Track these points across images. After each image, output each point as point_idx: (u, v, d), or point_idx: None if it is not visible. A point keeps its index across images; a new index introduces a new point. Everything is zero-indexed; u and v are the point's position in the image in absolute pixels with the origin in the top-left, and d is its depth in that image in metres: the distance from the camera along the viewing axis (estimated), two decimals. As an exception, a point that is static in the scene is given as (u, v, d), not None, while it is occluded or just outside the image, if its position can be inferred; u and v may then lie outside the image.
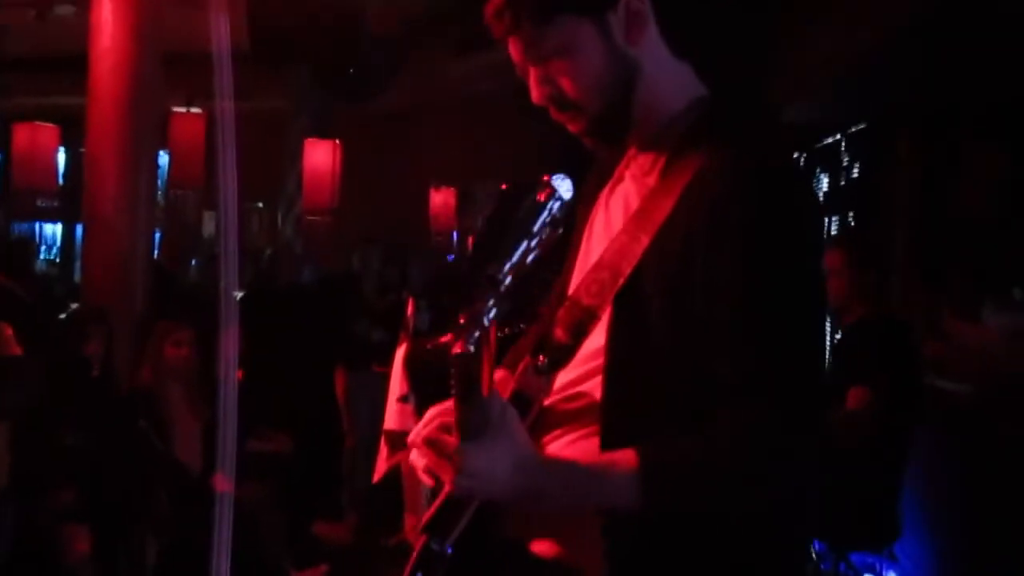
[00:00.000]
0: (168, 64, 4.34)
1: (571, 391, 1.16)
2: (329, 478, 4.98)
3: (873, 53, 4.27)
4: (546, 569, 1.15)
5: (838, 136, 5.42)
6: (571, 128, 1.19)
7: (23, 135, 6.14)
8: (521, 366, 1.20)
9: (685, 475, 1.04)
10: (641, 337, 1.09)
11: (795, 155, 5.64)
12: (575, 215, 1.32)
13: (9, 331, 2.81)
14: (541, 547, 1.16)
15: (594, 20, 1.11)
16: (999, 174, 4.29)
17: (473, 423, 0.99)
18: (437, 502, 1.09)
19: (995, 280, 3.81)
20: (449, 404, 1.06)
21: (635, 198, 1.16)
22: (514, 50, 1.15)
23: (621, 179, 1.22)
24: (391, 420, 4.32)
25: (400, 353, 4.37)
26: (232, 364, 1.26)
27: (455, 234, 9.23)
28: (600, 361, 1.12)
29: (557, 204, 1.02)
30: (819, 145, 5.66)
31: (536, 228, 0.99)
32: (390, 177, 9.30)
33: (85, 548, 3.08)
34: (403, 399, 4.26)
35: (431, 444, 1.04)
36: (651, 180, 1.15)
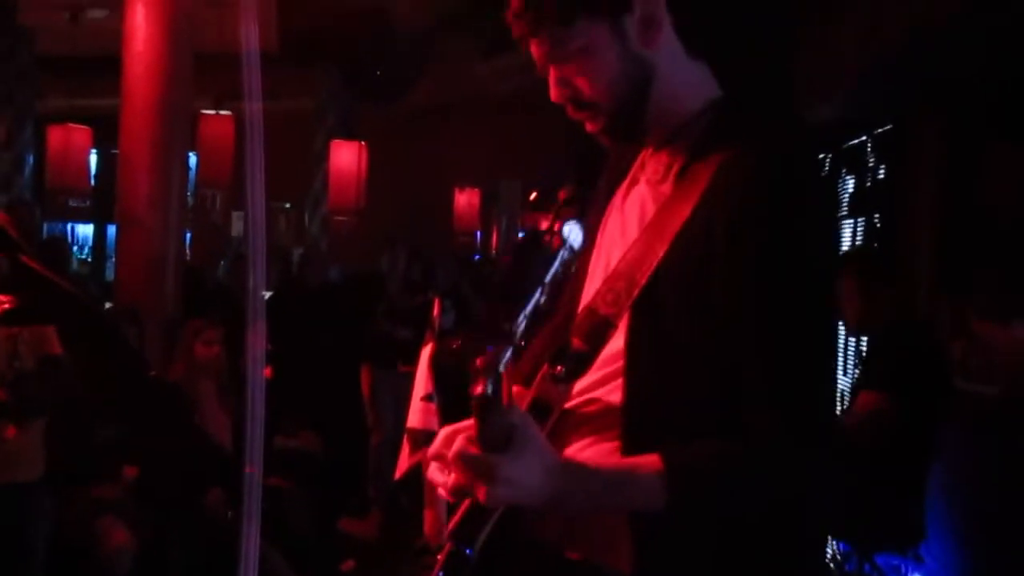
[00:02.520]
0: (197, 65, 4.41)
1: (588, 396, 1.17)
2: (355, 475, 5.03)
3: (899, 53, 4.24)
4: (572, 568, 1.17)
5: (864, 137, 5.37)
6: (588, 127, 1.21)
7: (57, 136, 6.26)
8: (539, 375, 1.21)
9: (709, 478, 1.06)
10: (659, 343, 1.10)
11: (820, 155, 5.60)
12: (588, 216, 1.34)
13: (52, 328, 2.87)
14: (567, 547, 1.18)
15: (610, 23, 1.13)
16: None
17: (496, 437, 1.01)
18: (461, 510, 1.11)
19: (1022, 281, 3.77)
20: (467, 423, 1.09)
21: (650, 204, 1.18)
22: (534, 50, 1.18)
23: (636, 182, 1.23)
24: (415, 418, 4.34)
25: (425, 352, 4.40)
26: (259, 362, 1.29)
27: (479, 234, 9.26)
28: (617, 366, 1.14)
29: (567, 253, 1.04)
30: (845, 146, 5.62)
31: (548, 278, 1.02)
32: (415, 177, 9.36)
33: (122, 540, 3.14)
34: (427, 398, 4.29)
35: (463, 459, 1.03)
36: (666, 187, 1.16)
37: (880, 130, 5.16)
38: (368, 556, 4.26)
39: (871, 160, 5.30)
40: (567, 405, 1.18)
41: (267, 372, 5.01)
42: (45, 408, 2.93)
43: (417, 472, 4.79)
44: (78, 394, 3.13)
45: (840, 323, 3.01)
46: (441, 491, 1.15)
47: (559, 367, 1.18)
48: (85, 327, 2.72)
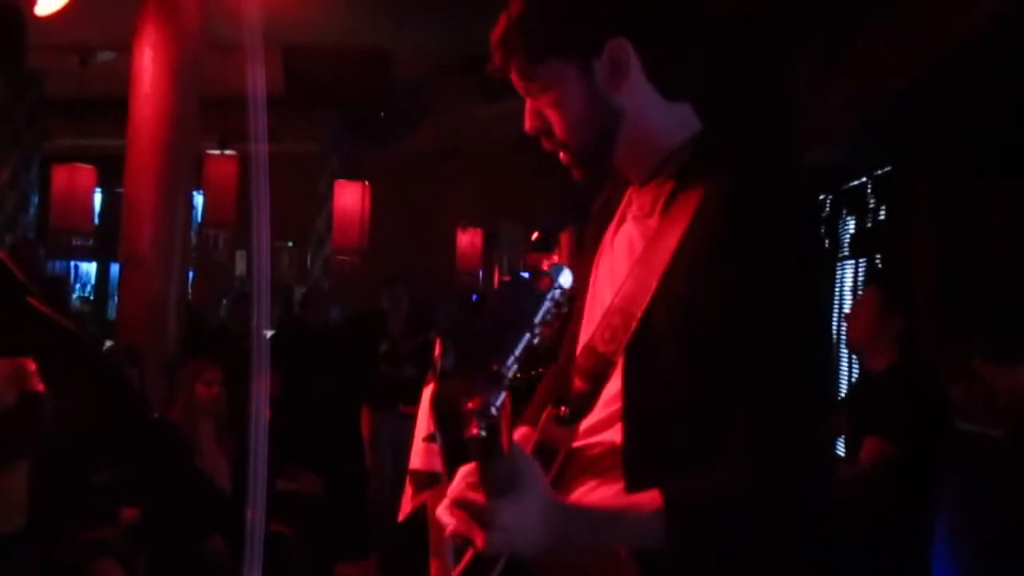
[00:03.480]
0: (202, 107, 4.46)
1: (592, 438, 1.16)
2: (354, 517, 4.98)
3: (898, 95, 4.28)
4: None
5: (864, 179, 5.41)
6: (561, 159, 1.22)
7: (61, 176, 6.30)
8: (543, 417, 1.20)
9: (709, 513, 1.05)
10: (656, 381, 1.10)
11: (805, 183, 5.60)
12: (581, 256, 1.34)
13: (32, 367, 2.82)
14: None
15: (578, 65, 1.14)
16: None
17: (497, 481, 1.00)
18: (467, 558, 1.09)
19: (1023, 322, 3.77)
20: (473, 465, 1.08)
21: (638, 239, 1.18)
22: (513, 80, 1.20)
23: (624, 220, 1.24)
24: (417, 460, 4.31)
25: (427, 393, 4.38)
26: (263, 403, 1.29)
27: (481, 273, 9.27)
28: (618, 406, 1.13)
29: (557, 292, 1.03)
30: (845, 187, 5.66)
31: (538, 320, 1.00)
32: (418, 218, 9.40)
33: None
34: (429, 439, 4.27)
35: (459, 504, 1.03)
36: (652, 221, 1.16)
37: (880, 171, 5.20)
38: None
39: (871, 201, 5.33)
40: (574, 446, 1.17)
41: (267, 413, 4.95)
42: (26, 449, 2.83)
43: (420, 514, 4.78)
44: (62, 433, 3.08)
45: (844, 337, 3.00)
46: (448, 531, 1.13)
47: (563, 408, 1.18)
48: (87, 367, 2.71)
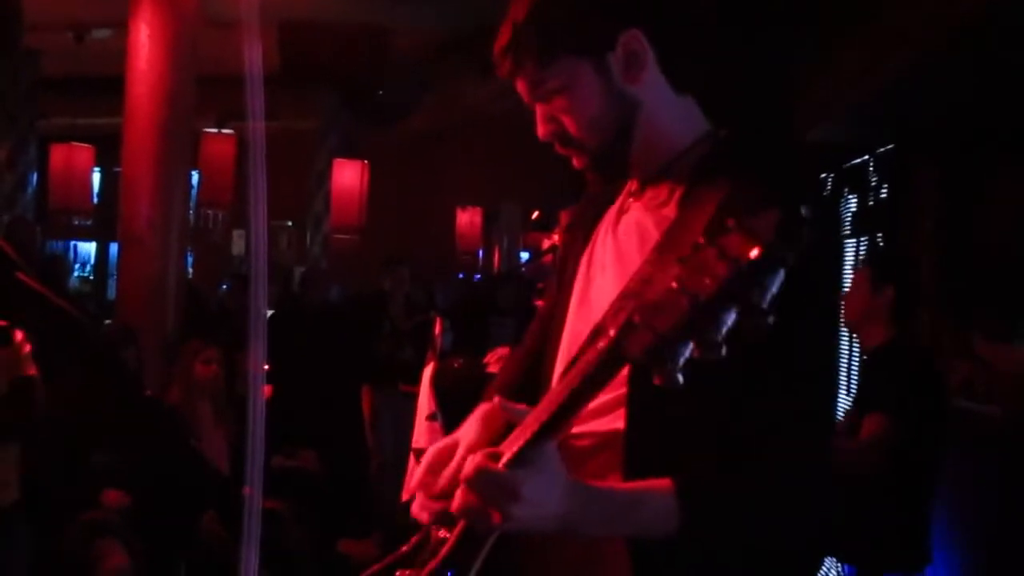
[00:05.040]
0: (200, 85, 4.43)
1: (588, 425, 1.14)
2: (355, 495, 5.00)
3: (901, 74, 4.26)
4: None
5: (866, 157, 5.39)
6: (575, 164, 1.20)
7: (59, 155, 6.27)
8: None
9: (721, 505, 1.05)
10: None
11: (821, 175, 5.60)
12: (561, 251, 1.32)
13: (27, 349, 2.83)
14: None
15: (593, 61, 1.12)
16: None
17: (519, 456, 0.99)
18: (451, 541, 1.08)
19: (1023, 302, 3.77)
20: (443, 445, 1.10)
21: (653, 229, 1.15)
22: (520, 88, 1.18)
23: (626, 210, 1.21)
24: (420, 438, 4.33)
25: (427, 372, 4.39)
26: (259, 381, 1.28)
27: (481, 253, 9.26)
28: (619, 393, 1.11)
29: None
30: (846, 165, 5.63)
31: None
32: (417, 197, 9.37)
33: (119, 562, 3.10)
34: (431, 417, 4.28)
35: (479, 477, 0.99)
36: (669, 211, 1.14)
37: (882, 150, 5.18)
38: (368, 578, 4.23)
39: (873, 180, 5.31)
40: (572, 430, 1.15)
41: (267, 391, 5.01)
42: (17, 431, 2.85)
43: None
44: (72, 417, 3.09)
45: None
46: (423, 516, 1.14)
47: None
48: (79, 345, 2.71)
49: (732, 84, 1.25)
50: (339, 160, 6.81)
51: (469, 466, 1.01)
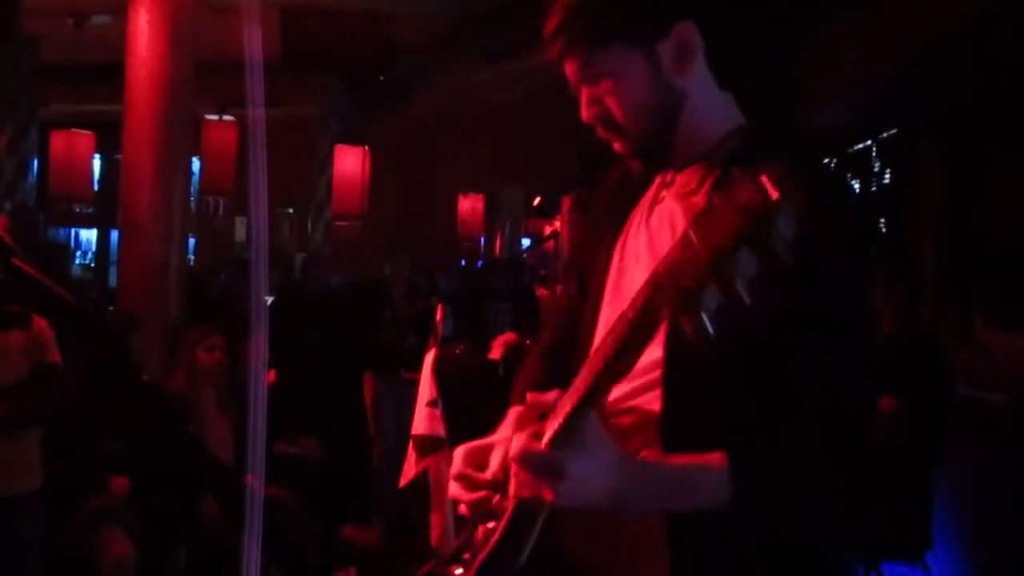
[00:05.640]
0: (201, 72, 4.41)
1: (624, 406, 1.16)
2: (357, 482, 5.01)
3: (905, 60, 4.23)
4: None
5: (869, 142, 5.37)
6: (616, 148, 1.21)
7: (60, 142, 6.26)
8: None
9: (773, 478, 1.06)
10: (699, 349, 1.09)
11: (826, 161, 5.58)
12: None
13: (51, 335, 2.84)
14: (606, 567, 1.17)
15: (644, 49, 1.14)
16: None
17: (565, 436, 1.01)
18: (501, 527, 1.11)
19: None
20: (485, 440, 1.13)
21: (682, 217, 1.17)
22: (568, 70, 1.19)
23: (660, 200, 1.23)
24: (420, 425, 4.33)
25: (429, 358, 4.39)
26: (261, 368, 1.28)
27: (482, 240, 9.25)
28: (654, 375, 1.13)
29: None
30: (850, 150, 5.61)
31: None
32: (418, 183, 9.36)
33: (124, 550, 3.11)
34: (431, 404, 4.28)
35: (526, 458, 1.02)
36: (698, 199, 1.15)
37: (886, 135, 5.16)
38: (370, 564, 4.25)
39: (876, 165, 5.29)
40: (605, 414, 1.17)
41: (269, 378, 5.00)
42: (42, 418, 2.87)
43: (423, 479, 4.79)
44: (77, 403, 3.10)
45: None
46: (463, 508, 1.17)
47: None
48: (77, 331, 2.71)
49: (762, 77, 1.25)
50: (340, 146, 6.78)
51: (515, 447, 1.03)
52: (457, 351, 4.47)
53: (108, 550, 3.11)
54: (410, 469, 4.44)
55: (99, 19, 6.68)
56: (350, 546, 4.44)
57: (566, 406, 1.01)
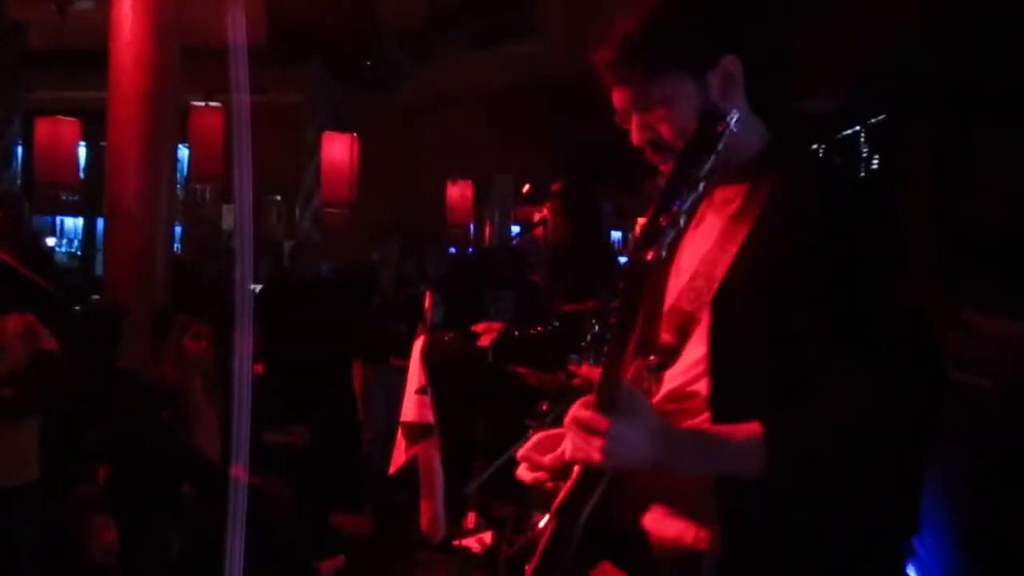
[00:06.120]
0: (187, 58, 4.37)
1: (679, 392, 1.29)
2: (347, 470, 5.01)
3: (893, 46, 4.23)
4: (665, 554, 1.30)
5: (857, 128, 5.37)
6: (663, 169, 1.32)
7: (45, 129, 6.19)
8: (633, 367, 1.34)
9: (805, 437, 1.15)
10: (737, 332, 1.23)
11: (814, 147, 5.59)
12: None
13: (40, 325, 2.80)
14: (660, 534, 1.31)
15: (695, 76, 1.29)
16: (1017, 168, 4.24)
17: (615, 403, 1.14)
18: (566, 489, 1.25)
19: (1016, 274, 3.77)
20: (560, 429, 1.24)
21: (719, 223, 1.32)
22: (618, 98, 1.33)
23: (704, 218, 1.36)
24: (409, 412, 4.33)
25: (418, 345, 4.38)
26: (246, 357, 1.28)
27: (472, 227, 9.23)
28: (704, 367, 1.26)
29: (730, 132, 1.15)
30: (839, 136, 5.62)
31: (720, 148, 1.12)
32: (407, 170, 9.32)
33: (113, 538, 3.10)
34: (421, 391, 4.28)
35: (576, 422, 1.15)
36: (733, 207, 1.31)
37: (874, 120, 5.17)
38: (360, 551, 4.25)
39: (865, 151, 5.30)
40: (659, 403, 1.30)
41: (258, 368, 4.97)
42: (39, 407, 2.84)
43: (412, 466, 4.78)
44: (72, 392, 3.08)
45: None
46: (526, 475, 1.36)
47: (652, 357, 1.32)
48: (52, 318, 2.68)
49: (787, 98, 1.41)
50: (329, 133, 6.74)
51: (571, 413, 1.17)
52: (446, 338, 4.46)
53: (97, 538, 3.10)
54: (399, 456, 4.44)
55: (83, 4, 6.61)
56: (339, 533, 4.44)
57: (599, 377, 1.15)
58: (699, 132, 1.12)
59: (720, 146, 1.11)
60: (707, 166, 1.10)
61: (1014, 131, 4.18)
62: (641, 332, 1.41)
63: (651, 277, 1.16)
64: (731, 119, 1.12)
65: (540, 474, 1.37)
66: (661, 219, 1.08)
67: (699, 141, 1.12)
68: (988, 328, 3.19)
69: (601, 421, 1.13)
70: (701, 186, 1.10)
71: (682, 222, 1.09)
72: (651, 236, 1.09)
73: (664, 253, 1.09)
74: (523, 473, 1.37)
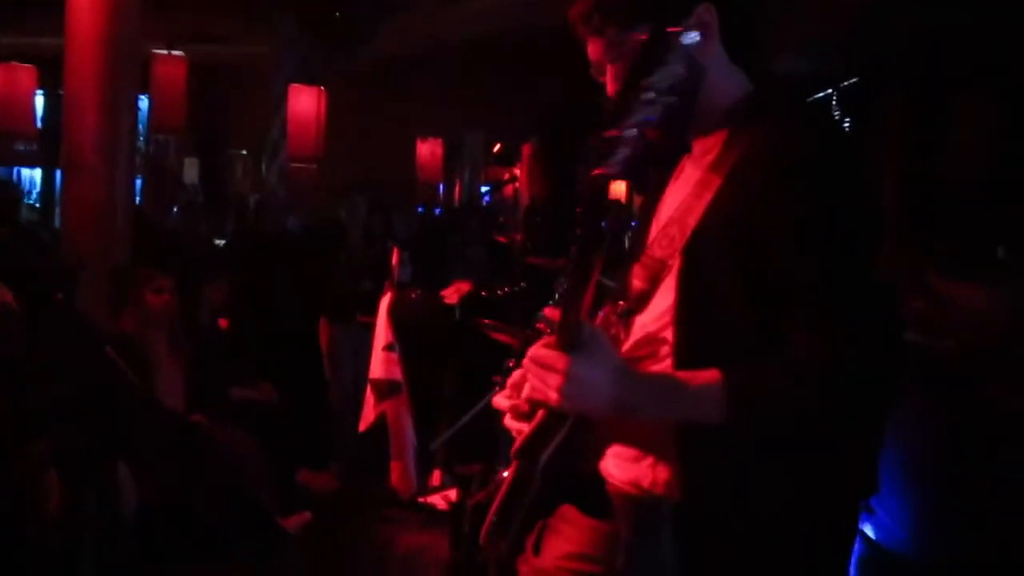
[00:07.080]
0: (150, 6, 4.23)
1: (648, 338, 1.29)
2: (313, 426, 4.99)
3: (866, 8, 4.21)
4: (623, 498, 1.31)
5: (829, 91, 5.37)
6: None
7: (0, 77, 6.01)
8: (600, 315, 1.34)
9: (766, 387, 1.15)
10: (706, 280, 1.21)
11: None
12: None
13: None
14: (619, 478, 1.31)
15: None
16: (987, 132, 4.27)
17: (576, 343, 1.11)
18: (527, 431, 1.25)
19: (981, 238, 3.81)
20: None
21: (695, 173, 1.31)
22: (593, 50, 1.32)
23: (683, 170, 1.36)
24: (377, 369, 4.31)
25: (384, 302, 4.34)
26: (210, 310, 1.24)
27: (442, 185, 9.15)
28: (668, 317, 1.25)
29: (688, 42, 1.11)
30: (810, 100, 5.62)
31: (671, 60, 1.09)
32: (377, 127, 9.18)
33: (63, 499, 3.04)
34: (388, 348, 4.25)
35: (536, 360, 1.14)
36: (711, 156, 1.29)
37: (846, 83, 5.17)
38: (327, 508, 4.25)
39: (836, 114, 5.31)
40: (628, 349, 1.30)
41: (223, 322, 4.90)
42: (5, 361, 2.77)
43: (381, 423, 4.79)
44: (25, 345, 3.00)
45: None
46: (507, 419, 1.33)
47: (621, 303, 1.32)
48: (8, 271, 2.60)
49: (763, 46, 1.38)
50: (295, 86, 6.60)
51: (530, 352, 1.16)
52: (413, 295, 4.43)
53: (53, 497, 3.05)
54: (369, 413, 4.43)
55: (39, -55, 6.37)
56: (306, 490, 4.43)
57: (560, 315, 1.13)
58: (649, 42, 1.10)
59: (672, 57, 1.08)
60: (659, 79, 1.07)
61: (984, 98, 4.20)
62: (618, 280, 1.41)
63: (607, 201, 1.12)
64: (687, 34, 1.10)
65: (524, 425, 1.34)
66: (610, 133, 1.05)
67: (649, 50, 1.09)
68: (952, 291, 3.23)
69: (560, 359, 1.12)
70: (659, 106, 1.06)
71: (635, 134, 1.05)
72: (601, 152, 1.05)
73: (617, 170, 1.06)
74: (510, 423, 1.35)
